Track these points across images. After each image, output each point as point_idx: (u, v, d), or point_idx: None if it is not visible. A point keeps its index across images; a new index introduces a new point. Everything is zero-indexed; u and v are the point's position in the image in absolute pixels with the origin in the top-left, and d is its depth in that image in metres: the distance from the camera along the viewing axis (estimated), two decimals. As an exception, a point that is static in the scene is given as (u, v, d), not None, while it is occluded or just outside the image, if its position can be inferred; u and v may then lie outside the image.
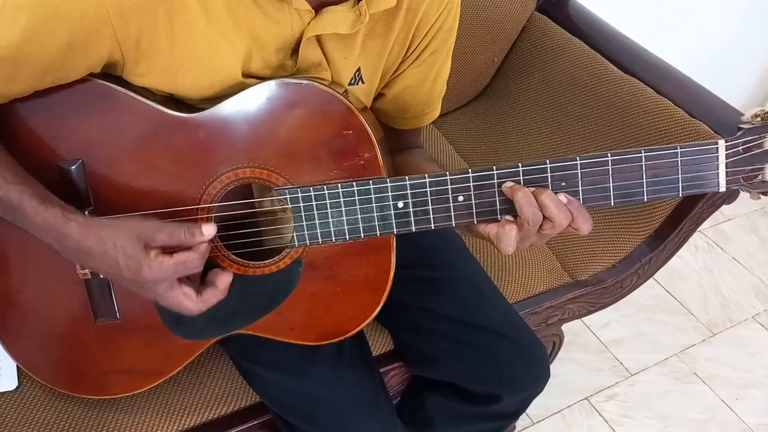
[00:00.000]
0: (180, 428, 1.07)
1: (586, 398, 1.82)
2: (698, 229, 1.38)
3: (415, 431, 1.20)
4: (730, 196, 1.29)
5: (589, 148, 1.45)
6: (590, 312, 1.46)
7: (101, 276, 0.89)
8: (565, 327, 1.55)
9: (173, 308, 0.82)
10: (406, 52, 0.96)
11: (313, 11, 0.83)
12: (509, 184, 0.81)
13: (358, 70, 0.92)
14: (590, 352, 1.93)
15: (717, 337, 2.02)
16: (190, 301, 0.81)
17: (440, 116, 1.11)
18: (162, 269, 0.77)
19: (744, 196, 1.26)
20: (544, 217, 0.80)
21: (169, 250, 0.78)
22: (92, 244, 0.78)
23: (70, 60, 0.77)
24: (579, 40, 1.52)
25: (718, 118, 1.28)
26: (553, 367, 1.24)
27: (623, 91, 1.41)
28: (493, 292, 1.21)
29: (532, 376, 1.18)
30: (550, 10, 1.61)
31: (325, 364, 1.04)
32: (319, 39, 0.86)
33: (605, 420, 1.77)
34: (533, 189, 0.81)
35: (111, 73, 0.83)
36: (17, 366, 1.06)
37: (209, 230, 0.79)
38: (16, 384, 1.06)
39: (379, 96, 1.02)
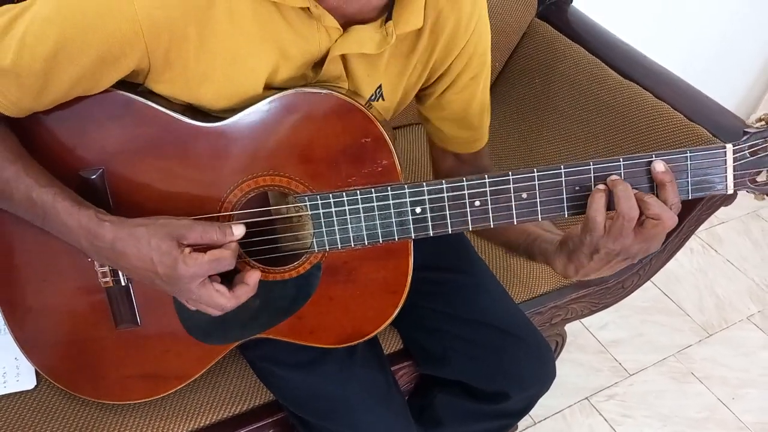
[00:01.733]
0: (195, 427, 1.09)
1: (587, 398, 1.84)
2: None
3: (424, 430, 1.22)
4: (728, 198, 1.31)
5: (590, 151, 1.47)
6: (593, 312, 1.48)
7: (127, 278, 0.90)
8: (565, 328, 1.57)
9: (205, 306, 0.83)
10: (430, 72, 0.96)
11: (341, 29, 0.83)
12: (613, 177, 0.82)
13: (380, 87, 0.93)
14: (589, 352, 1.96)
15: (713, 338, 2.05)
16: (223, 298, 0.81)
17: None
18: (197, 265, 0.78)
19: (738, 199, 1.30)
20: (648, 216, 0.79)
21: (201, 249, 0.79)
22: (126, 242, 0.78)
23: (100, 72, 0.77)
24: (579, 45, 1.54)
25: (716, 122, 1.30)
26: (555, 367, 1.26)
27: (623, 96, 1.42)
28: (500, 292, 1.23)
29: (539, 374, 1.20)
30: (550, 16, 1.62)
31: (340, 362, 1.05)
32: (343, 56, 0.86)
33: (605, 419, 1.79)
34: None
35: (131, 81, 0.83)
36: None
37: (239, 230, 0.82)
38: (35, 384, 1.07)
39: (424, 120, 1.04)
